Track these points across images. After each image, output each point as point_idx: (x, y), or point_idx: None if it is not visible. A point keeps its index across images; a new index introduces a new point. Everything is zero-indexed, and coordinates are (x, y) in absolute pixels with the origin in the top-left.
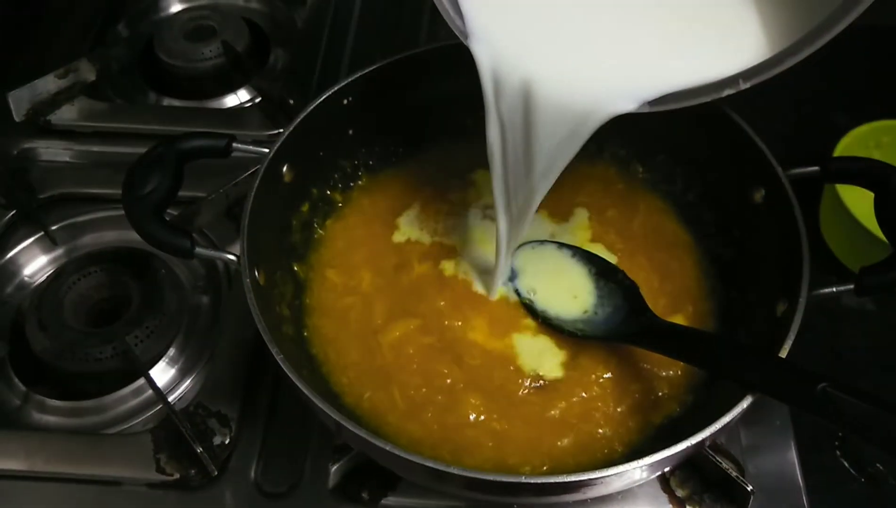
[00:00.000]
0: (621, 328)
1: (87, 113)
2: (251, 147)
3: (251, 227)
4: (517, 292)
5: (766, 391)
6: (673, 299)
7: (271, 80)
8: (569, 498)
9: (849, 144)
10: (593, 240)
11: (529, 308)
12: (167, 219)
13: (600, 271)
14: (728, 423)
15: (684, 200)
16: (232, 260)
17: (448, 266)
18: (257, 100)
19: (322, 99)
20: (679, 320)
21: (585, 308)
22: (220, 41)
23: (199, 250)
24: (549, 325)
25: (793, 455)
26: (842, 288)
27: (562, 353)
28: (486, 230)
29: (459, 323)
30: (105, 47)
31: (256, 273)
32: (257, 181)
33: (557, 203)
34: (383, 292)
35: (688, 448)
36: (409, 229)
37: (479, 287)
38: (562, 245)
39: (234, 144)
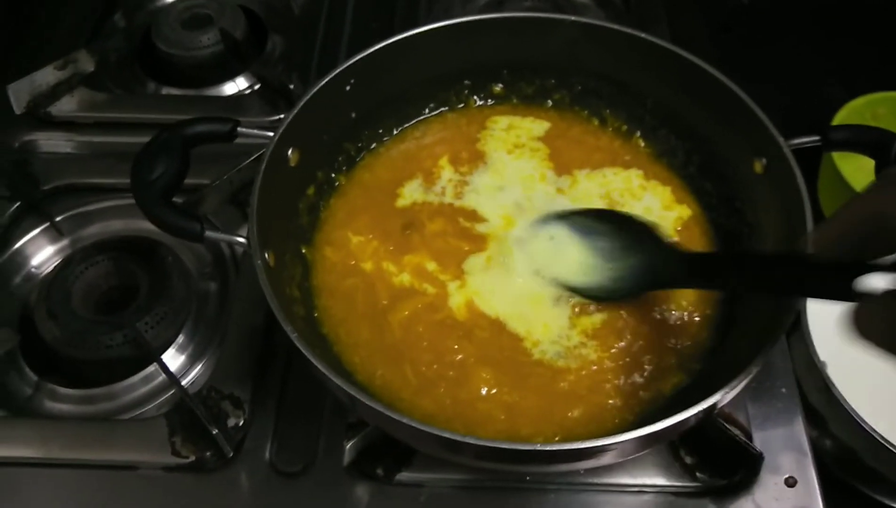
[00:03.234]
0: (649, 277)
1: (88, 104)
2: (256, 131)
3: (260, 207)
4: (538, 272)
5: (805, 291)
6: None
7: (270, 66)
8: (580, 466)
9: (845, 117)
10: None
11: (556, 284)
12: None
13: (615, 226)
14: (738, 388)
15: (686, 172)
16: (241, 242)
17: (469, 225)
18: (256, 87)
19: (325, 82)
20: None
21: (609, 267)
22: (218, 29)
23: (209, 233)
24: (577, 293)
25: (800, 423)
26: None
27: (572, 325)
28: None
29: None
30: (103, 38)
31: (266, 255)
32: (264, 163)
33: (567, 170)
34: (392, 258)
35: (698, 414)
36: (413, 195)
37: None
38: (570, 213)
39: (239, 129)
